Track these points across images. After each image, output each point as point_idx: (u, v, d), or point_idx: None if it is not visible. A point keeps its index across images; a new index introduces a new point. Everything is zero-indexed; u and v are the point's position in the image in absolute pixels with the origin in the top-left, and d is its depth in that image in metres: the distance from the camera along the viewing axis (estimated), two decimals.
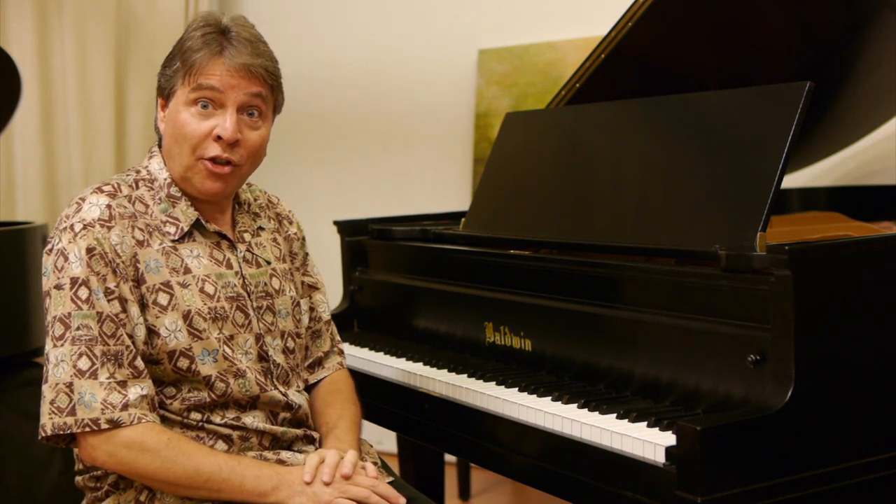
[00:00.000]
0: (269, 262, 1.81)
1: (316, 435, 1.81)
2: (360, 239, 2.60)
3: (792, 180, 3.19)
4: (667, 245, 1.84)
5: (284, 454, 1.72)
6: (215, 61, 1.66)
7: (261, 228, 1.84)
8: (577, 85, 2.38)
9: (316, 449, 1.78)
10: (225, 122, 1.66)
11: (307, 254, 1.96)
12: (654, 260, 1.90)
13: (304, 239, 1.95)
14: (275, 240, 1.86)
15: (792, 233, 2.23)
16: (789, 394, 1.54)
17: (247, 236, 1.80)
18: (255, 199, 1.88)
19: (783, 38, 2.45)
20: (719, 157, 1.87)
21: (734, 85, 1.97)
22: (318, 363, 1.94)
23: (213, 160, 1.67)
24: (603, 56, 2.32)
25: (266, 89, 1.70)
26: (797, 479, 1.56)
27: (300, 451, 1.75)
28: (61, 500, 2.86)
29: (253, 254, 1.79)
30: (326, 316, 1.96)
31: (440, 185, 4.04)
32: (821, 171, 3.32)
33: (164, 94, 1.72)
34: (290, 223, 1.93)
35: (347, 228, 2.63)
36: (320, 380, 1.93)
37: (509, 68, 3.84)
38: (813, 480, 1.57)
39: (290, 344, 1.80)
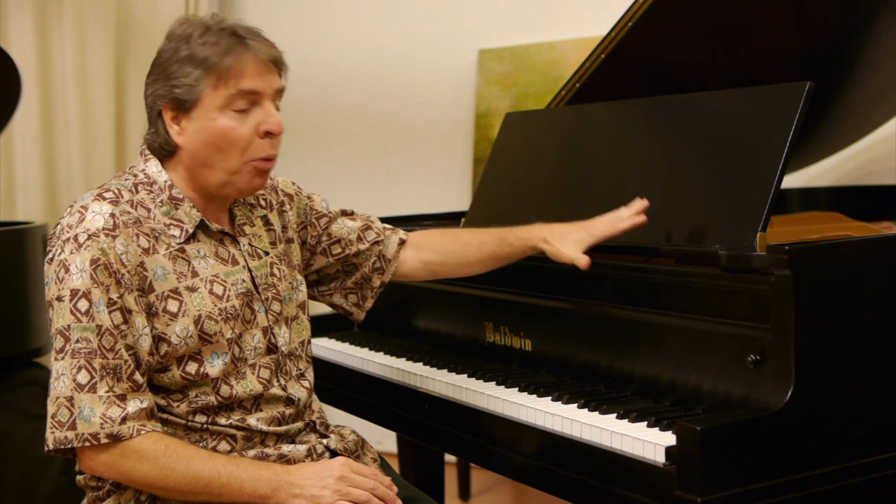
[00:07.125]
0: (267, 253, 1.80)
1: (318, 423, 1.81)
2: None
3: (792, 180, 3.19)
4: (667, 245, 1.84)
5: (286, 448, 1.72)
6: (247, 59, 1.63)
7: (262, 216, 1.83)
8: (577, 85, 2.38)
9: (318, 438, 1.78)
10: (271, 118, 1.66)
11: (308, 196, 1.96)
12: (654, 260, 1.90)
13: (293, 195, 1.93)
14: (267, 221, 1.84)
15: (792, 233, 2.23)
16: (789, 394, 1.54)
17: (246, 229, 1.79)
18: None
19: (783, 38, 2.45)
20: (719, 157, 1.87)
21: (734, 85, 1.97)
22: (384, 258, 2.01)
23: (265, 158, 1.67)
24: (603, 56, 2.32)
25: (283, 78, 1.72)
26: (797, 479, 1.56)
27: (302, 443, 1.76)
28: (61, 500, 2.86)
29: (253, 246, 1.78)
30: (355, 229, 2.03)
31: (440, 185, 4.04)
32: (821, 171, 3.31)
33: (184, 106, 1.64)
34: (276, 192, 1.90)
35: None
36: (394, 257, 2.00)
37: (509, 68, 3.84)
38: (813, 480, 1.57)
39: (294, 326, 1.81)
